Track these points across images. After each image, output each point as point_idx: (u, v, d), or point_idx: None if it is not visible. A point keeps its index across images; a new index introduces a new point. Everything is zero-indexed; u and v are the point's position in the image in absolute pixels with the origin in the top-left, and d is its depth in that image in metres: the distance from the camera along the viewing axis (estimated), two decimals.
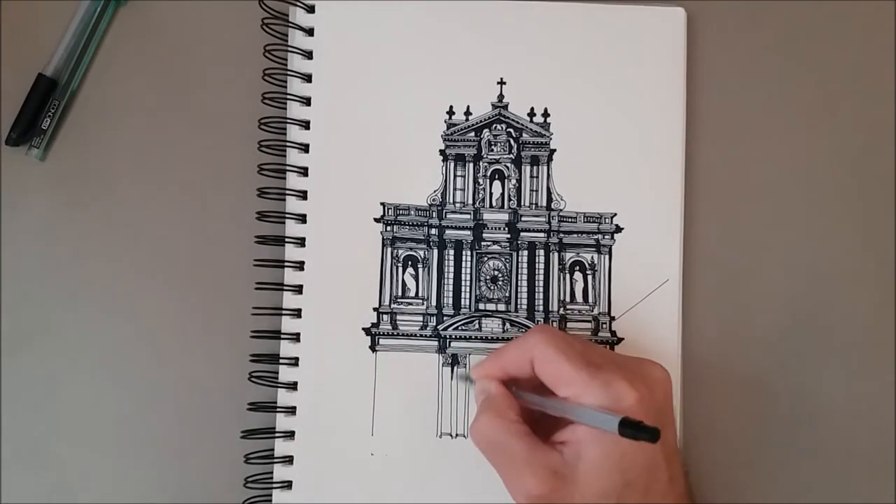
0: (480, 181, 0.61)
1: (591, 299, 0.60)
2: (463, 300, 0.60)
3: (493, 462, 0.51)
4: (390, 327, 0.59)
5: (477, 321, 0.60)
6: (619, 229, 0.60)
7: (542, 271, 0.60)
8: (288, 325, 0.59)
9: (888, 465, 0.59)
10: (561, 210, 0.60)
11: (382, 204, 0.60)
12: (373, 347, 0.59)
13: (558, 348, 0.50)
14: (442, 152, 0.60)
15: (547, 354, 0.50)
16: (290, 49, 0.60)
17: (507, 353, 0.53)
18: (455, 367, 0.59)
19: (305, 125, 0.60)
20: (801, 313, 0.60)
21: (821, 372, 0.60)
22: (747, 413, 0.60)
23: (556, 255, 0.60)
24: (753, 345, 0.60)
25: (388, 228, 0.60)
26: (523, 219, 0.60)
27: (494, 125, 0.61)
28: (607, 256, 0.60)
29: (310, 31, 0.61)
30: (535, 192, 0.60)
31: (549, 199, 0.60)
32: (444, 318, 0.60)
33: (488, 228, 0.60)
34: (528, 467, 0.49)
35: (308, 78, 0.60)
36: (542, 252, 0.60)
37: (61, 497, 0.59)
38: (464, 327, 0.60)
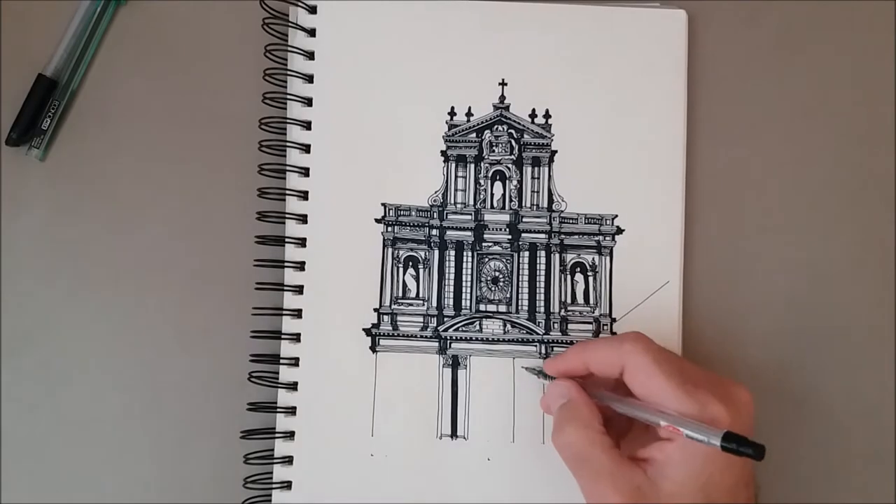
0: (481, 182, 0.60)
1: (591, 300, 0.60)
2: (464, 301, 0.60)
3: (576, 473, 0.51)
4: (391, 328, 0.59)
5: (478, 322, 0.60)
6: (620, 231, 0.60)
7: (543, 272, 0.60)
8: (288, 325, 0.59)
9: (888, 465, 0.60)
10: (562, 211, 0.60)
11: (383, 204, 0.60)
12: (373, 348, 0.59)
13: (656, 360, 0.49)
14: (443, 153, 0.60)
15: (644, 365, 0.50)
16: (291, 49, 0.60)
17: (596, 352, 0.52)
18: (460, 363, 0.59)
19: (307, 125, 0.60)
20: (801, 313, 0.60)
21: (821, 371, 0.60)
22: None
23: (556, 256, 0.60)
24: (753, 346, 0.60)
25: (389, 229, 0.60)
26: (524, 220, 0.60)
27: (496, 126, 0.61)
28: (608, 258, 0.60)
29: (311, 32, 0.61)
30: (536, 194, 0.60)
31: (550, 201, 0.60)
32: (445, 319, 0.60)
33: (489, 229, 0.60)
34: (612, 482, 0.48)
35: (309, 78, 0.60)
36: (543, 253, 0.60)
37: (61, 497, 0.59)
38: (464, 328, 0.59)
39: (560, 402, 0.53)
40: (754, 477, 0.52)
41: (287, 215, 0.59)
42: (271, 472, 0.58)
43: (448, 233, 0.60)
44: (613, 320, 0.59)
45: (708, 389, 0.49)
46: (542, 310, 0.60)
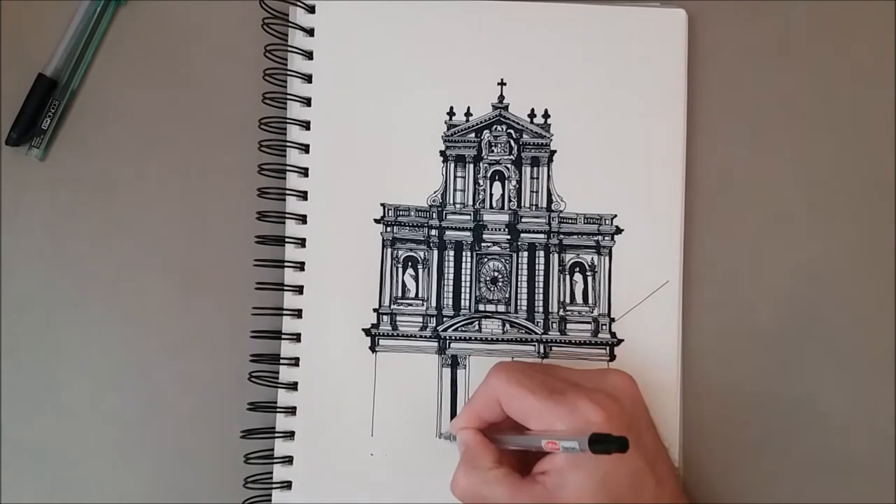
0: (481, 182, 0.61)
1: (590, 300, 0.60)
2: (463, 301, 0.60)
3: None
4: (390, 328, 0.59)
5: (477, 322, 0.60)
6: (619, 231, 0.60)
7: (541, 272, 0.60)
8: (288, 325, 0.59)
9: (888, 466, 0.59)
10: (561, 211, 0.60)
11: (383, 205, 0.60)
12: (373, 348, 0.59)
13: (520, 383, 0.50)
14: (442, 153, 0.60)
15: (510, 392, 0.51)
16: (290, 49, 0.60)
17: (476, 401, 0.53)
18: (459, 363, 0.59)
19: (306, 125, 0.60)
20: (801, 314, 0.60)
21: (821, 372, 0.60)
22: (747, 414, 0.60)
23: (556, 256, 0.60)
24: (753, 346, 0.60)
25: (389, 229, 0.60)
26: (523, 220, 0.60)
27: (495, 126, 0.61)
28: (607, 258, 0.60)
29: (310, 32, 0.61)
30: (535, 194, 0.60)
31: (550, 201, 0.60)
32: (444, 319, 0.60)
33: (488, 229, 0.60)
34: None
35: (308, 78, 0.60)
36: (542, 253, 0.60)
37: (61, 497, 0.59)
38: (464, 328, 0.60)
39: (461, 450, 0.53)
40: (662, 451, 0.52)
41: (287, 215, 0.59)
42: (271, 472, 0.58)
43: (447, 233, 0.60)
44: (612, 320, 0.59)
45: (576, 392, 0.49)
46: (541, 310, 0.60)
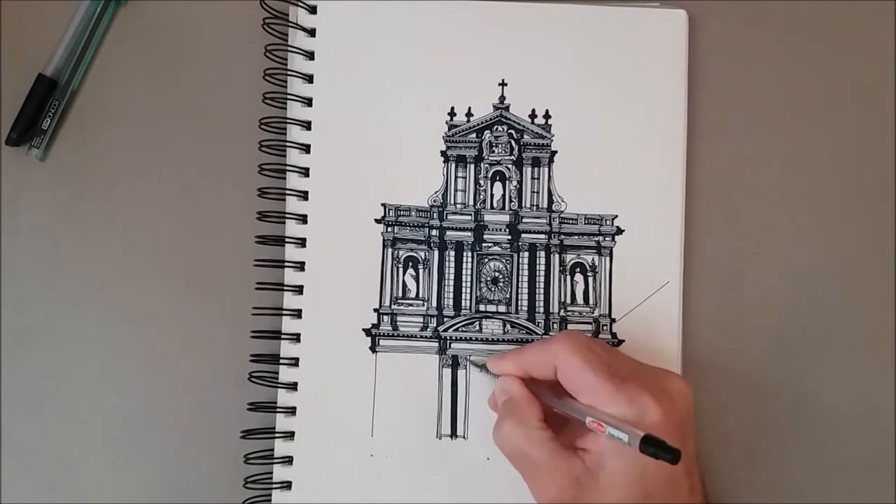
0: (481, 182, 0.61)
1: (591, 301, 0.60)
2: (463, 301, 0.60)
3: (516, 466, 0.52)
4: (390, 328, 0.59)
5: (477, 322, 0.60)
6: (619, 231, 0.60)
7: (542, 273, 0.60)
8: (288, 325, 0.59)
9: (888, 465, 0.60)
10: (562, 212, 0.60)
11: (383, 205, 0.60)
12: (373, 348, 0.59)
13: (584, 358, 0.50)
14: (443, 153, 0.60)
15: (572, 363, 0.50)
16: (291, 49, 0.60)
17: (530, 355, 0.53)
18: (460, 363, 0.59)
19: (307, 125, 0.60)
20: (801, 314, 0.60)
21: (821, 372, 0.60)
22: (747, 414, 0.60)
23: (556, 256, 0.60)
24: (753, 347, 0.60)
25: (389, 229, 0.60)
26: (524, 220, 0.60)
27: (496, 126, 0.61)
28: (608, 258, 0.60)
29: (311, 32, 0.61)
30: (535, 194, 0.60)
31: (550, 201, 0.60)
32: (445, 320, 0.60)
33: (489, 230, 0.60)
34: (550, 475, 0.49)
35: (309, 78, 0.60)
36: (542, 253, 0.60)
37: (61, 497, 0.59)
38: (464, 328, 0.60)
39: (503, 398, 0.53)
40: (697, 461, 0.52)
41: (287, 215, 0.59)
42: (272, 472, 0.58)
43: (448, 233, 0.60)
44: (613, 321, 0.59)
45: (638, 383, 0.49)
46: (542, 310, 0.60)
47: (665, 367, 0.53)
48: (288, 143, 0.60)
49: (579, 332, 0.54)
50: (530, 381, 0.53)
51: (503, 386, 0.53)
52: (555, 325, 0.59)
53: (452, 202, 0.60)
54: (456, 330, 0.59)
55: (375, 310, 0.59)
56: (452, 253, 0.60)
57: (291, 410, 0.58)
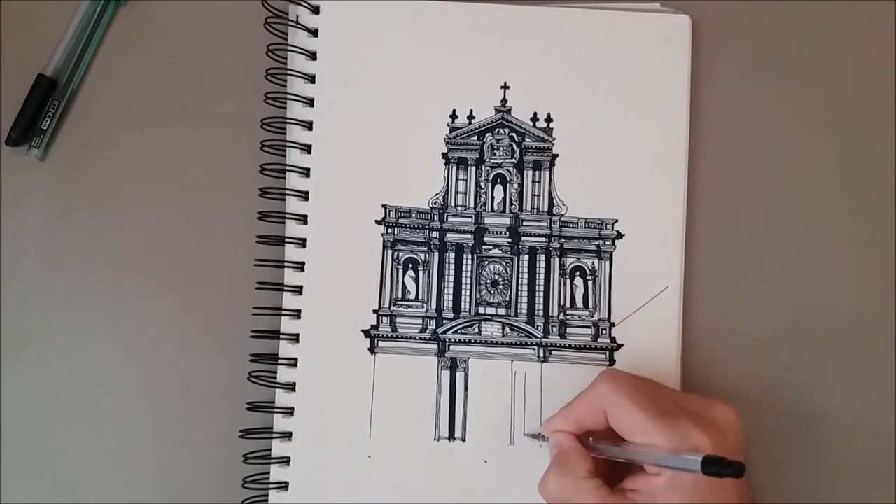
0: (482, 185, 0.60)
1: (591, 305, 0.60)
2: (463, 304, 0.60)
3: None
4: (390, 330, 0.59)
5: (477, 325, 0.60)
6: (620, 235, 0.60)
7: (542, 276, 0.60)
8: (287, 325, 0.59)
9: (888, 465, 0.60)
10: (562, 215, 0.60)
11: (384, 206, 0.60)
12: (372, 350, 0.59)
13: (630, 397, 0.50)
14: (444, 155, 0.60)
15: (620, 404, 0.50)
16: (292, 49, 0.60)
17: (579, 406, 0.53)
18: (458, 366, 0.59)
19: (308, 126, 0.60)
20: (801, 322, 0.60)
21: (821, 372, 0.60)
22: (747, 419, 0.59)
23: (556, 259, 0.60)
24: (753, 352, 0.60)
25: (389, 230, 0.60)
26: (524, 223, 0.60)
27: (497, 129, 0.60)
28: (608, 262, 0.60)
29: (314, 32, 0.60)
30: (536, 197, 0.60)
31: (551, 204, 0.60)
32: (444, 322, 0.60)
33: (489, 232, 0.60)
34: None
35: (311, 79, 0.60)
36: (542, 257, 0.60)
37: (61, 497, 0.59)
38: (463, 331, 0.59)
39: (554, 452, 0.53)
40: (750, 496, 0.52)
41: (287, 215, 0.59)
42: (269, 473, 0.58)
43: (448, 235, 0.60)
44: (612, 325, 0.59)
45: (688, 417, 0.49)
46: (541, 313, 0.60)
47: (720, 399, 0.52)
48: (289, 143, 0.59)
49: (619, 370, 0.53)
50: (585, 434, 0.53)
51: (554, 441, 0.53)
52: (554, 329, 0.59)
53: (453, 204, 0.60)
54: (455, 332, 0.59)
55: (375, 311, 0.59)
56: (452, 255, 0.60)
57: (289, 411, 0.58)
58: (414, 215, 0.60)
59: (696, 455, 0.45)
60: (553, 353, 0.59)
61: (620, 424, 0.50)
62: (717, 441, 0.48)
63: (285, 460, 0.58)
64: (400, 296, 0.60)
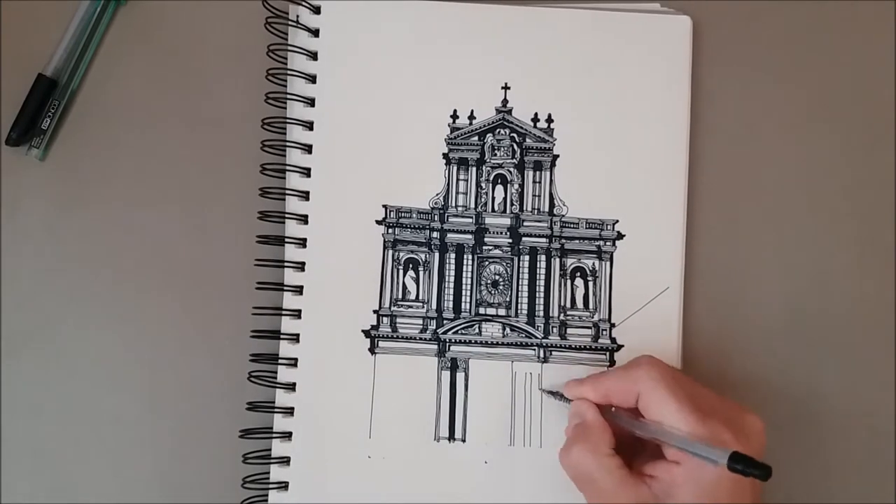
0: (483, 185, 0.60)
1: (591, 305, 0.60)
2: (463, 304, 0.60)
3: (581, 490, 0.52)
4: (390, 330, 0.59)
5: (477, 325, 0.60)
6: (620, 236, 0.60)
7: (543, 276, 0.60)
8: (287, 325, 0.59)
9: (888, 465, 0.60)
10: (563, 216, 0.60)
11: (384, 206, 0.60)
12: (372, 350, 0.59)
13: (668, 388, 0.50)
14: (445, 156, 0.60)
15: (656, 392, 0.50)
16: (293, 49, 0.60)
17: (610, 382, 0.53)
18: (459, 366, 0.59)
19: (309, 126, 0.60)
20: (801, 323, 0.60)
21: (821, 372, 0.60)
22: None
23: (557, 260, 0.60)
24: (753, 354, 0.60)
25: (390, 231, 0.60)
26: (525, 224, 0.60)
27: (498, 130, 0.60)
28: (608, 263, 0.60)
29: (315, 32, 0.60)
30: (537, 198, 0.60)
31: (552, 205, 0.60)
32: (444, 322, 0.60)
33: (490, 233, 0.60)
34: (615, 502, 0.50)
35: (312, 79, 0.60)
36: (543, 257, 0.60)
37: (61, 497, 0.59)
38: (464, 331, 0.59)
39: (575, 421, 0.53)
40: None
41: (288, 215, 0.59)
42: (269, 472, 0.58)
43: (449, 235, 0.60)
44: (613, 325, 0.59)
45: (719, 419, 0.49)
46: (542, 314, 0.60)
47: (750, 409, 0.52)
48: (289, 143, 0.59)
49: (660, 360, 0.53)
50: (608, 405, 0.53)
51: (577, 409, 0.54)
52: (554, 329, 0.59)
53: (454, 205, 0.60)
54: (455, 332, 0.59)
55: (375, 311, 0.59)
56: (453, 255, 0.60)
57: (289, 411, 0.58)
58: (414, 215, 0.60)
59: (725, 450, 0.46)
60: (553, 353, 0.59)
61: (651, 410, 0.50)
62: (745, 446, 0.48)
63: (285, 460, 0.58)
64: (400, 296, 0.60)
